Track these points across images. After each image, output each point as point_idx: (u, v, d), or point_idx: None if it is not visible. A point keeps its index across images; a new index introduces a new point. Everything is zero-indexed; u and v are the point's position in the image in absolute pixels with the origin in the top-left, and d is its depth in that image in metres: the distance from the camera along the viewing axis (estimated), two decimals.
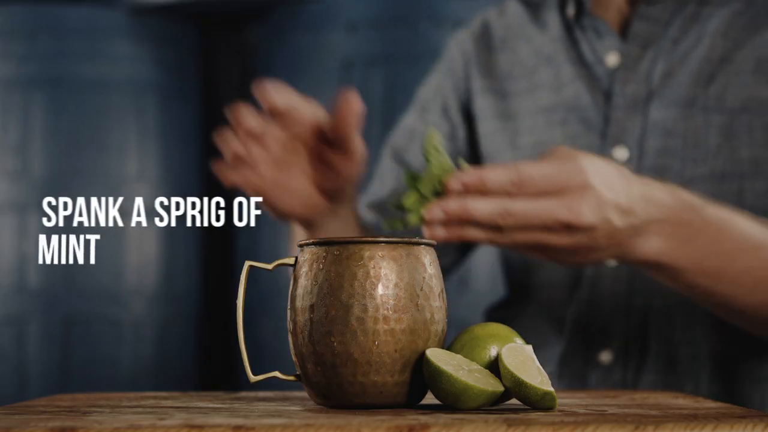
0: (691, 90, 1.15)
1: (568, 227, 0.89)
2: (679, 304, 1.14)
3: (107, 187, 2.28)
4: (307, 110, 1.04)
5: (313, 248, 0.72)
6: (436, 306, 0.72)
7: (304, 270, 0.72)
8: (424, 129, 1.32)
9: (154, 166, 2.34)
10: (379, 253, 0.71)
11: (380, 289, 0.70)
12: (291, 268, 0.75)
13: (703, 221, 0.97)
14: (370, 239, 0.71)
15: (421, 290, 0.71)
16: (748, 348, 1.15)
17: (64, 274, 2.26)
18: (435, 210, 0.88)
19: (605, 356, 1.15)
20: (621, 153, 1.16)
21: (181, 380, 2.35)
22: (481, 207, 0.88)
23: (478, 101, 1.31)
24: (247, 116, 1.04)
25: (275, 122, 1.03)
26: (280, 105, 1.02)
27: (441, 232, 0.89)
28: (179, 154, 2.37)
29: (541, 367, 0.70)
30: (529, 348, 0.72)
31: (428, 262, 0.73)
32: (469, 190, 0.88)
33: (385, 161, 1.32)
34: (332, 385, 0.71)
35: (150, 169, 2.33)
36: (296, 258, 0.74)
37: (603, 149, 1.17)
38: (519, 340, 0.73)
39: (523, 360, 0.70)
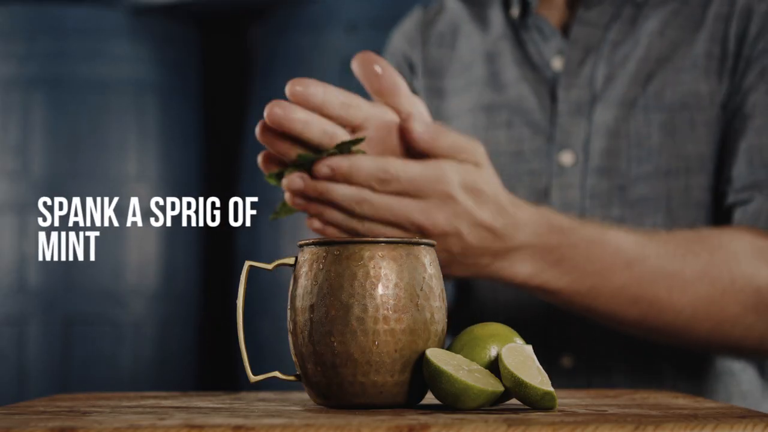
0: (631, 90, 1.15)
1: (421, 230, 0.89)
2: None
3: (107, 187, 2.28)
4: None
5: (313, 248, 0.72)
6: (436, 306, 0.72)
7: (304, 270, 0.72)
8: None
9: (154, 166, 2.34)
10: (379, 253, 0.71)
11: (380, 289, 0.70)
12: (291, 268, 0.75)
13: (571, 244, 0.97)
14: (370, 239, 0.71)
15: (421, 290, 0.71)
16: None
17: (64, 274, 2.27)
18: (295, 178, 0.87)
19: (566, 361, 1.15)
20: (567, 157, 1.16)
21: (181, 380, 2.35)
22: (341, 190, 0.87)
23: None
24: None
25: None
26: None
27: (300, 202, 0.89)
28: (179, 154, 2.37)
29: (541, 367, 0.70)
30: (529, 348, 0.72)
31: (428, 262, 0.73)
32: (336, 176, 0.87)
33: None
34: (332, 385, 0.71)
35: (150, 169, 2.33)
36: (296, 258, 0.74)
37: (549, 153, 1.17)
38: (519, 340, 0.73)
39: (523, 360, 0.70)
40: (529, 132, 1.19)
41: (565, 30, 1.21)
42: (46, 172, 2.28)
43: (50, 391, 2.11)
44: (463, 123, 1.23)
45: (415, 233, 0.89)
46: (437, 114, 1.25)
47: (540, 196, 1.16)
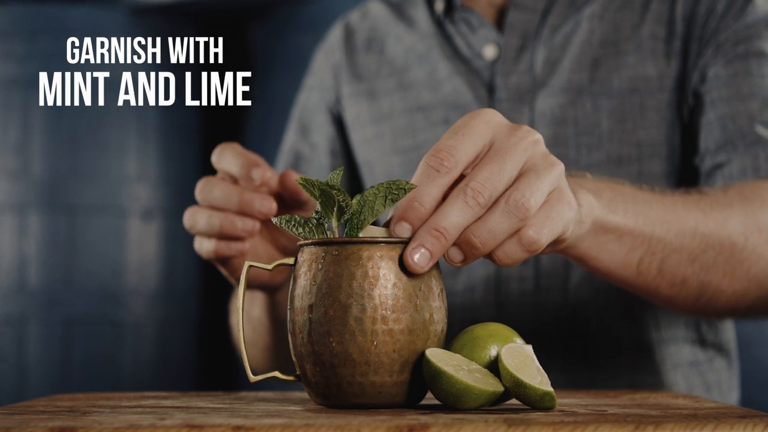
0: (576, 76, 1.14)
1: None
2: (592, 297, 1.12)
3: (107, 187, 2.28)
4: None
5: (312, 248, 0.72)
6: (435, 306, 0.72)
7: (303, 270, 0.72)
8: (309, 151, 1.30)
9: (154, 166, 2.34)
10: (378, 254, 0.71)
11: (379, 290, 0.70)
12: (290, 268, 0.75)
13: (592, 179, 0.91)
14: (369, 239, 0.71)
15: (419, 290, 0.71)
16: (661, 335, 1.14)
17: (64, 274, 2.26)
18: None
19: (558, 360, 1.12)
20: None
21: (181, 380, 2.35)
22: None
23: (350, 108, 1.28)
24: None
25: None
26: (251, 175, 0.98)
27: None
28: (179, 154, 2.37)
29: (540, 367, 0.70)
30: (529, 348, 0.72)
31: None
32: None
33: None
34: (331, 385, 0.71)
35: (150, 169, 2.33)
36: (295, 258, 0.74)
37: None
38: (519, 340, 0.73)
39: (522, 360, 0.70)
40: None
41: (497, 19, 1.20)
42: (46, 172, 2.28)
43: (50, 391, 2.11)
44: (398, 124, 1.22)
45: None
46: (368, 114, 1.25)
47: None
